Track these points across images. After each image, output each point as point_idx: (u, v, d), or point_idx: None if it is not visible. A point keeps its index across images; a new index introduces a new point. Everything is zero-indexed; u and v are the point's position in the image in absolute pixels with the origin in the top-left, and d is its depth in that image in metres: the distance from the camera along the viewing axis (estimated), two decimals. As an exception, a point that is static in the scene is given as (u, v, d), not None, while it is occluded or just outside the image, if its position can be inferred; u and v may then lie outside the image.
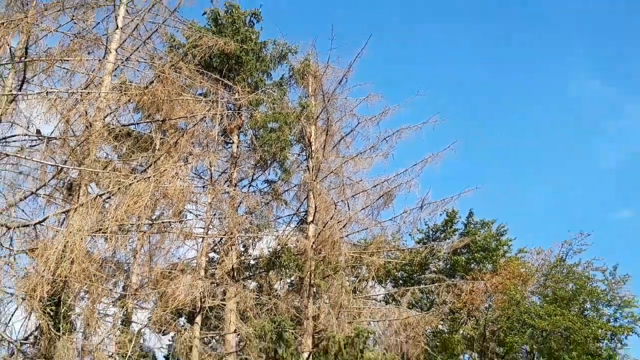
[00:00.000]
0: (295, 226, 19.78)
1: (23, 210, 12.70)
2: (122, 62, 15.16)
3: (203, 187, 17.43)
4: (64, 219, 11.70)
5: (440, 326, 20.58)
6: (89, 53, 14.40)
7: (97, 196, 11.89)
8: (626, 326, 23.67)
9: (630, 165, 60.01)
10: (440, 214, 22.30)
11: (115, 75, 14.85)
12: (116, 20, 15.49)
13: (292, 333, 16.45)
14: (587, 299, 23.47)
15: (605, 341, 23.44)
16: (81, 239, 10.52)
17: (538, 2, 63.02)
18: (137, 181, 11.97)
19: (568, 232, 25.67)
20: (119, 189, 11.78)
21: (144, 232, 13.68)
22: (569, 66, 62.23)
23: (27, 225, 11.62)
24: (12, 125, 13.38)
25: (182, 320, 17.05)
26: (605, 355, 22.84)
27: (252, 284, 18.67)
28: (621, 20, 61.59)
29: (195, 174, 18.12)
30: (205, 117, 16.22)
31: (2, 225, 11.62)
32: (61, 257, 10.32)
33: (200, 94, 17.61)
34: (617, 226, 54.48)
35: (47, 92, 12.90)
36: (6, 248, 11.91)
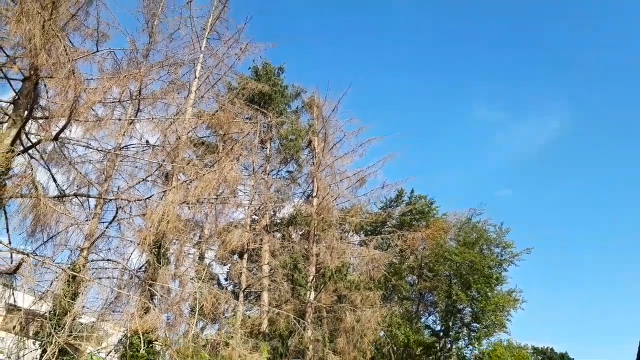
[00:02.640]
0: (305, 199, 19.75)
1: (138, 190, 12.75)
2: (199, 98, 15.12)
3: (248, 176, 17.34)
4: (163, 196, 11.70)
5: (394, 260, 20.55)
6: (178, 93, 14.34)
7: (183, 182, 11.90)
8: (507, 259, 23.71)
9: (510, 161, 60.00)
10: (394, 191, 22.49)
11: (194, 107, 14.80)
12: (195, 72, 15.46)
13: (303, 264, 16.55)
14: (484, 243, 23.45)
15: (495, 268, 23.45)
16: (173, 207, 10.52)
17: (453, 51, 62.34)
18: (208, 172, 12.00)
19: (481, 203, 25.35)
20: (196, 177, 11.81)
21: (212, 203, 13.69)
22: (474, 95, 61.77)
23: (140, 200, 11.64)
24: (130, 137, 13.44)
25: (235, 257, 17.10)
26: (494, 276, 22.88)
27: (278, 235, 18.62)
28: (514, 62, 61.00)
29: (243, 167, 18.04)
30: (250, 133, 16.25)
31: (126, 200, 11.69)
32: (161, 219, 10.36)
33: (247, 118, 17.45)
34: (502, 201, 54.71)
35: (152, 118, 12.92)
36: (127, 214, 12.00)
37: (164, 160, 12.29)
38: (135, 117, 13.00)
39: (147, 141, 13.58)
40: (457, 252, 21.78)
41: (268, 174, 18.68)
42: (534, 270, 39.33)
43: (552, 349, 38.69)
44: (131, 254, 12.43)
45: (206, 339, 11.61)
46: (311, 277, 16.83)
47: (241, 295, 14.92)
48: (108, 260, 12.10)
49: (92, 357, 10.92)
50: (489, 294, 22.31)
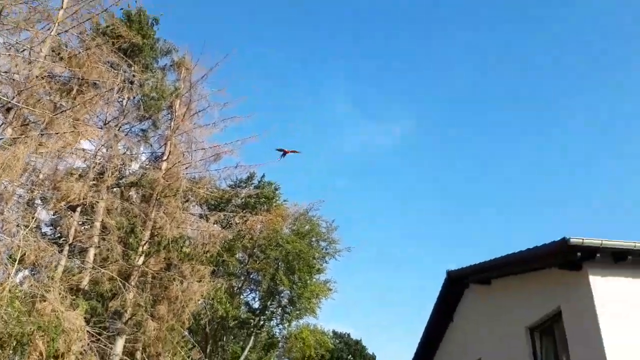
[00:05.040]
0: (154, 162, 19.63)
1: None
2: (62, 32, 14.12)
3: (100, 127, 16.64)
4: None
5: (229, 236, 21.50)
6: (39, 22, 13.22)
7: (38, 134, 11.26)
8: (331, 253, 26.70)
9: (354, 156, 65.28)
10: (247, 173, 23.54)
11: (54, 42, 13.80)
12: (63, 1, 14.37)
13: (140, 229, 16.64)
14: (314, 235, 25.97)
15: (318, 260, 26.19)
16: (19, 159, 10.04)
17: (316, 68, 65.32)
18: (60, 117, 11.56)
19: (319, 200, 27.39)
20: (47, 120, 11.30)
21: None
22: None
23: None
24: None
25: (67, 208, 16.36)
26: (316, 267, 25.63)
27: (119, 193, 18.22)
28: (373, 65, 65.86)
29: (96, 117, 17.20)
30: (111, 82, 15.65)
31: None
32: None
33: (110, 66, 16.65)
34: (338, 190, 59.19)
35: (6, 44, 11.81)
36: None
37: (13, 98, 11.39)
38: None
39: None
40: (289, 241, 23.79)
41: (119, 128, 18.11)
42: (351, 262, 44.17)
43: (349, 334, 44.39)
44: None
45: (23, 291, 11.29)
46: (144, 242, 17.00)
47: (66, 248, 14.51)
48: None
49: None
50: (309, 281, 24.98)
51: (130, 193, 18.73)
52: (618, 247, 8.55)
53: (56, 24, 13.74)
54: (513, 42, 58.52)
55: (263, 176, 24.75)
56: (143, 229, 17.13)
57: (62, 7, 14.21)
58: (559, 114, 58.61)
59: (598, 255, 8.56)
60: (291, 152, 19.65)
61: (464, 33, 60.20)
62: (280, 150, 19.55)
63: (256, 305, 26.72)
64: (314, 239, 25.89)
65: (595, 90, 56.97)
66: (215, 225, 20.17)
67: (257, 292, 26.66)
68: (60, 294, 12.19)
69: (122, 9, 19.48)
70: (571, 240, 8.37)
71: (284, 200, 25.95)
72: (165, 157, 19.20)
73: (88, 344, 12.39)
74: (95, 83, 15.37)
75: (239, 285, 25.99)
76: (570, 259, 8.84)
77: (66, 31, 14.20)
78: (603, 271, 8.82)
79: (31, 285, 11.78)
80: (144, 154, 19.50)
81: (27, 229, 11.53)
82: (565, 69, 58.15)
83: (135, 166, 18.89)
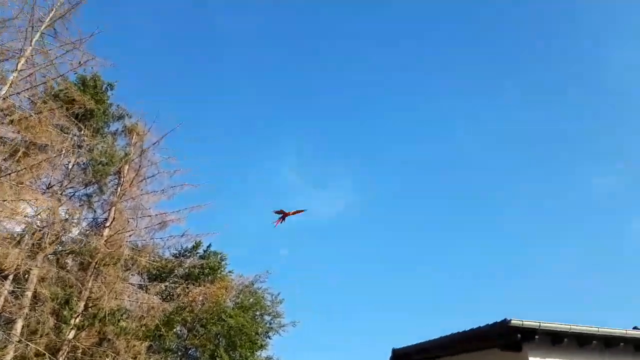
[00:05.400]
0: (96, 228, 18.95)
1: None
2: (15, 94, 13.92)
3: (43, 192, 16.07)
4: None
5: (169, 309, 20.59)
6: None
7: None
8: (275, 328, 26.00)
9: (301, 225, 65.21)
10: (193, 242, 23.08)
11: (4, 102, 13.58)
12: (17, 64, 14.29)
13: (75, 300, 15.72)
14: (258, 309, 25.35)
15: (262, 335, 25.39)
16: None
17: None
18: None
19: (266, 271, 26.97)
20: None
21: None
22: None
23: None
24: None
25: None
26: (259, 342, 24.76)
27: (55, 260, 17.29)
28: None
29: (40, 180, 16.63)
30: (60, 145, 15.40)
31: None
32: None
33: (60, 129, 16.42)
34: (281, 259, 58.33)
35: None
36: None
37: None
38: None
39: None
40: (232, 314, 23.03)
41: (63, 192, 17.55)
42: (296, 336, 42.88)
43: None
44: None
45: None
46: (78, 314, 16.03)
47: (-9, 320, 13.45)
48: None
49: None
50: (250, 358, 23.99)
51: (67, 260, 17.84)
52: (555, 329, 9.09)
53: (7, 86, 13.61)
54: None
55: (209, 246, 24.36)
56: (78, 300, 16.20)
57: (16, 69, 14.15)
58: (495, 201, 61.92)
59: (537, 337, 9.05)
60: (294, 213, 16.65)
61: (402, 114, 63.79)
62: (279, 212, 16.69)
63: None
64: (258, 313, 25.26)
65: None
66: (155, 296, 19.36)
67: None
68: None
69: (76, 73, 19.68)
70: (512, 321, 8.84)
71: (229, 271, 25.47)
72: (108, 224, 18.63)
73: None
74: (43, 146, 15.08)
75: (176, 363, 24.53)
76: (511, 339, 9.26)
77: (18, 93, 14.03)
78: (541, 352, 9.27)
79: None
80: (85, 220, 18.82)
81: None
82: (502, 161, 62.43)
83: (76, 232, 18.15)
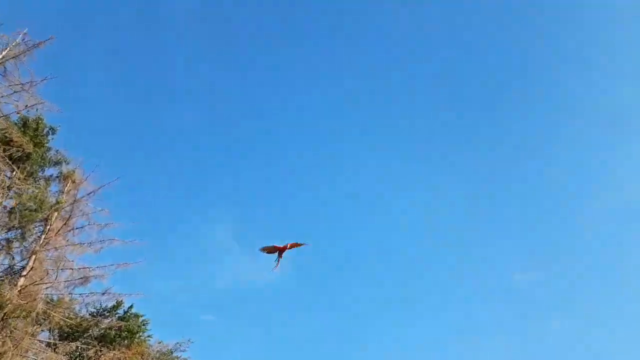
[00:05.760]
0: (11, 276, 17.73)
1: None
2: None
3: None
4: None
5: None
6: None
7: None
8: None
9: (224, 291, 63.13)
10: (114, 301, 21.85)
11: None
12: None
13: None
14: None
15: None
16: None
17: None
18: None
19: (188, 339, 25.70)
20: None
21: None
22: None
23: None
24: None
25: None
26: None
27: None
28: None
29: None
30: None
31: None
32: None
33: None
34: (204, 325, 55.47)
35: None
36: None
37: None
38: None
39: None
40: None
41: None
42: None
43: None
44: None
45: None
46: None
47: None
48: None
49: None
50: None
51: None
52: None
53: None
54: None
55: (131, 307, 23.05)
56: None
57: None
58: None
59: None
60: (292, 246, 12.57)
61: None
62: (270, 250, 12.68)
63: None
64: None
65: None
66: (64, 357, 17.96)
67: None
68: None
69: (19, 112, 19.23)
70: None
71: (148, 336, 24.09)
72: (25, 272, 17.50)
73: None
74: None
75: None
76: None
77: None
78: None
79: None
80: (1, 266, 17.62)
81: None
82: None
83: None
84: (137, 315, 23.14)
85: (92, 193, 20.61)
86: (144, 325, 23.32)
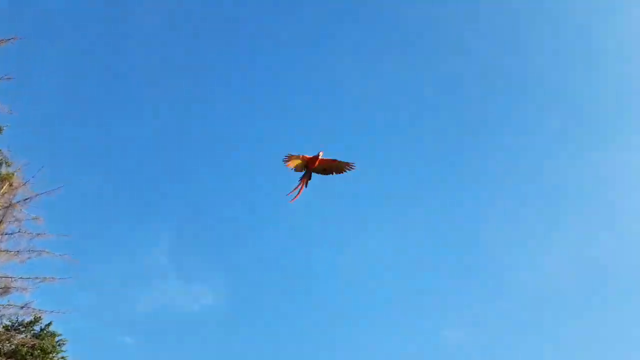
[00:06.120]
0: None
1: None
2: None
3: None
4: None
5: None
6: None
7: None
8: None
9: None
10: (32, 316, 20.65)
11: None
12: None
13: None
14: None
15: None
16: None
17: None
18: None
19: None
20: None
21: None
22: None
23: None
24: None
25: None
26: None
27: None
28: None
29: None
30: None
31: None
32: None
33: None
34: (122, 347, 52.58)
35: None
36: None
37: None
38: None
39: None
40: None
41: None
42: None
43: None
44: None
45: None
46: None
47: None
48: None
49: None
50: None
51: None
52: None
53: None
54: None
55: (49, 324, 21.78)
56: None
57: None
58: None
59: None
60: (329, 162, 7.33)
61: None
62: (301, 164, 7.43)
63: None
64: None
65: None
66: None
67: None
68: None
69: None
70: None
71: (62, 358, 22.74)
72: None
73: None
74: None
75: None
76: None
77: None
78: None
79: None
80: None
81: None
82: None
83: None
84: (53, 334, 21.87)
85: (29, 199, 19.71)
86: (59, 345, 22.10)
